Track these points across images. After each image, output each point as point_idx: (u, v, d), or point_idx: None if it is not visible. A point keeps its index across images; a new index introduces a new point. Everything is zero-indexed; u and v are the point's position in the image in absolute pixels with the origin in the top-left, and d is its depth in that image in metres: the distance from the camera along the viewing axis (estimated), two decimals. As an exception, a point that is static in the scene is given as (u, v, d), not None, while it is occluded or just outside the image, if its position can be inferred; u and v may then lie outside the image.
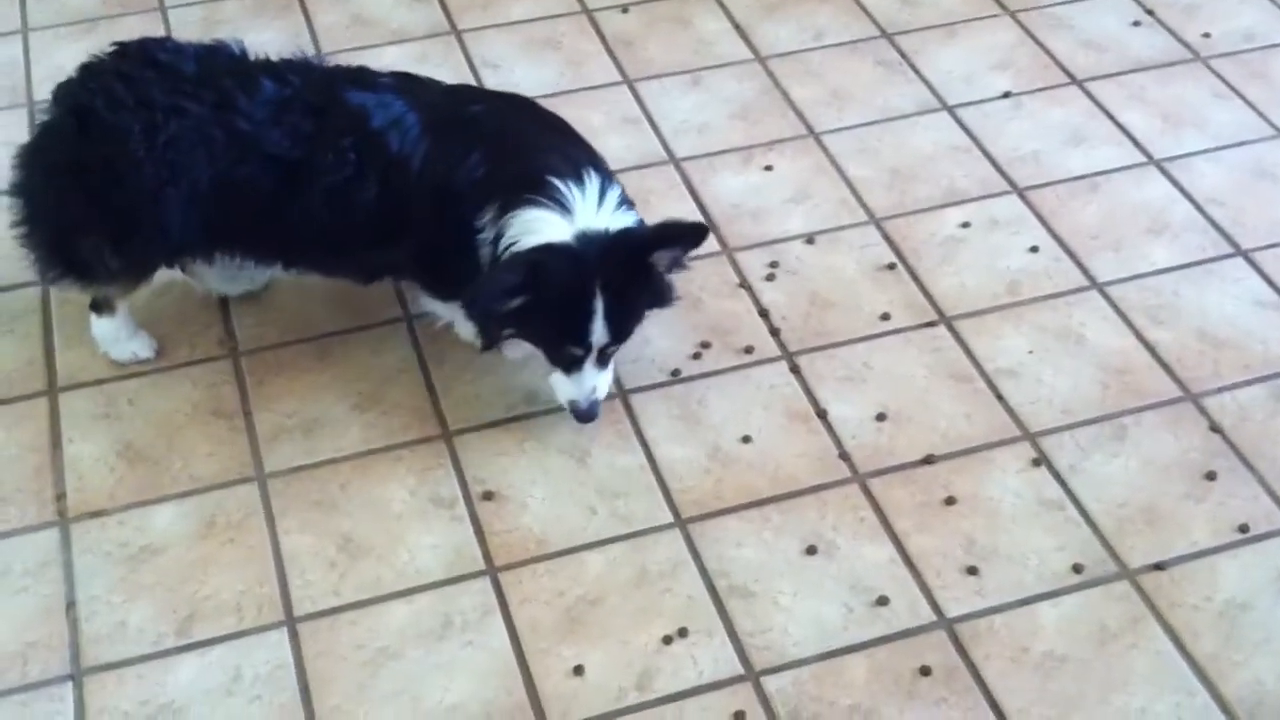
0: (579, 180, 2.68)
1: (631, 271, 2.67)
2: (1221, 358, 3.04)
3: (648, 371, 3.01)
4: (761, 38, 3.89)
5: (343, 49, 3.80)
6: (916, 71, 3.78)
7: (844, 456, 2.85)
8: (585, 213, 2.66)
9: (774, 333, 3.09)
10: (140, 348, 3.03)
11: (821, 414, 2.93)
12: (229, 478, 2.81)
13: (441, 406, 2.94)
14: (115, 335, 3.00)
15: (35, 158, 2.82)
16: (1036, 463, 2.84)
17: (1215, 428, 2.90)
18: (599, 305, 2.64)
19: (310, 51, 3.44)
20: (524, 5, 3.99)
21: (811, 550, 2.68)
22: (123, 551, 2.67)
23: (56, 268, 2.87)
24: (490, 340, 2.79)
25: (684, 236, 2.68)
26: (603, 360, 2.76)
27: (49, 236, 2.85)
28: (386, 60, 3.71)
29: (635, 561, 2.66)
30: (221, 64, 2.80)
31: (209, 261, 2.95)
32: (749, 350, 3.04)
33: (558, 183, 2.67)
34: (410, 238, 2.79)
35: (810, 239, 3.29)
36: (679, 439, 2.89)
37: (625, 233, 2.67)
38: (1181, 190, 3.44)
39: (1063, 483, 2.80)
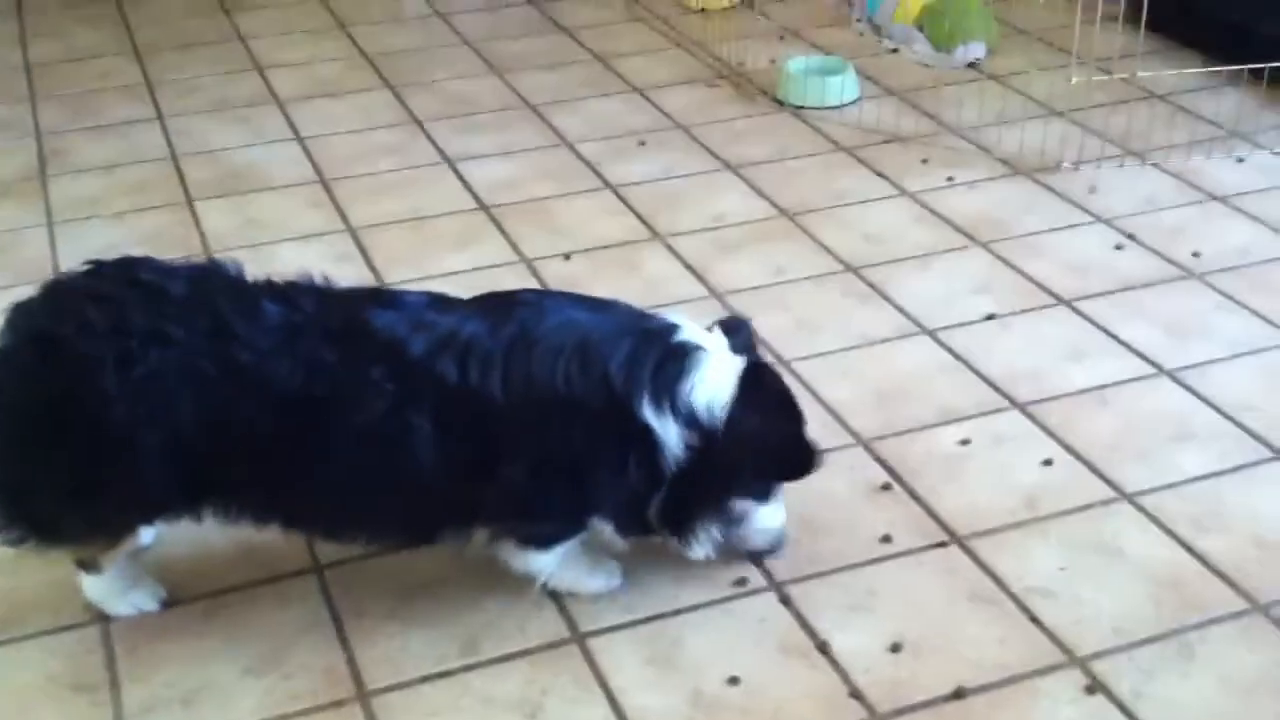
0: (671, 324, 2.40)
1: None
2: (1288, 564, 2.57)
3: (609, 612, 2.49)
4: (718, 277, 3.56)
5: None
6: (889, 300, 3.44)
7: (856, 695, 2.32)
8: (709, 340, 2.40)
9: (757, 561, 2.59)
10: (143, 599, 2.52)
11: (823, 647, 2.41)
12: (85, 762, 2.23)
13: (358, 665, 2.39)
14: (108, 592, 2.50)
15: None
16: (1091, 690, 2.31)
17: (1296, 640, 2.40)
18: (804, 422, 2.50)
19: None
20: (460, 257, 3.66)
21: (828, 808, 2.11)
22: None
23: (14, 529, 2.36)
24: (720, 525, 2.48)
25: (749, 330, 2.57)
26: None
27: (2, 492, 2.35)
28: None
29: (605, 835, 2.08)
30: (217, 285, 2.34)
31: (195, 518, 2.43)
32: (731, 583, 2.55)
33: (680, 339, 2.37)
34: (504, 477, 2.30)
35: (790, 464, 2.84)
36: (651, 686, 2.34)
37: (739, 337, 2.48)
38: (1200, 398, 3.04)
39: (1128, 712, 2.27)
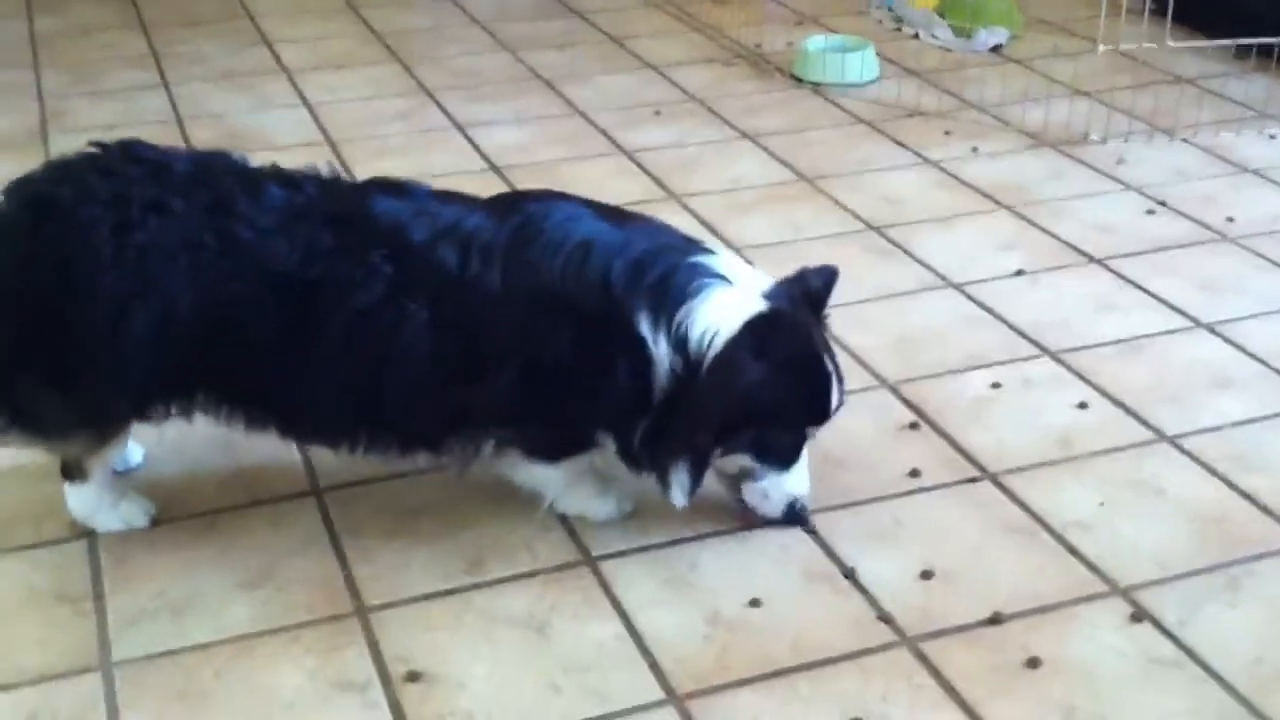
0: (703, 248, 2.26)
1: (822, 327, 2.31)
2: (1338, 503, 2.44)
3: (621, 536, 2.36)
4: (734, 233, 3.44)
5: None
6: (911, 255, 3.32)
7: (885, 618, 2.18)
8: (744, 276, 2.23)
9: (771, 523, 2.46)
10: (132, 513, 2.37)
11: (849, 573, 2.28)
12: (63, 668, 2.09)
13: (356, 580, 2.26)
14: (96, 504, 2.35)
15: None
16: (1136, 618, 2.18)
17: (1352, 574, 2.27)
18: (830, 365, 2.23)
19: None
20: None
21: (857, 724, 1.97)
22: (-94, 758, 1.92)
23: None
24: (701, 473, 2.21)
25: (833, 281, 2.32)
26: None
27: None
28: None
29: (617, 746, 1.94)
30: (221, 166, 2.26)
31: (186, 416, 2.30)
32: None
33: (700, 259, 2.22)
34: (500, 381, 2.17)
35: (812, 403, 2.72)
36: (667, 605, 2.21)
37: (805, 287, 2.28)
38: (1239, 348, 2.92)
39: (1175, 639, 2.13)
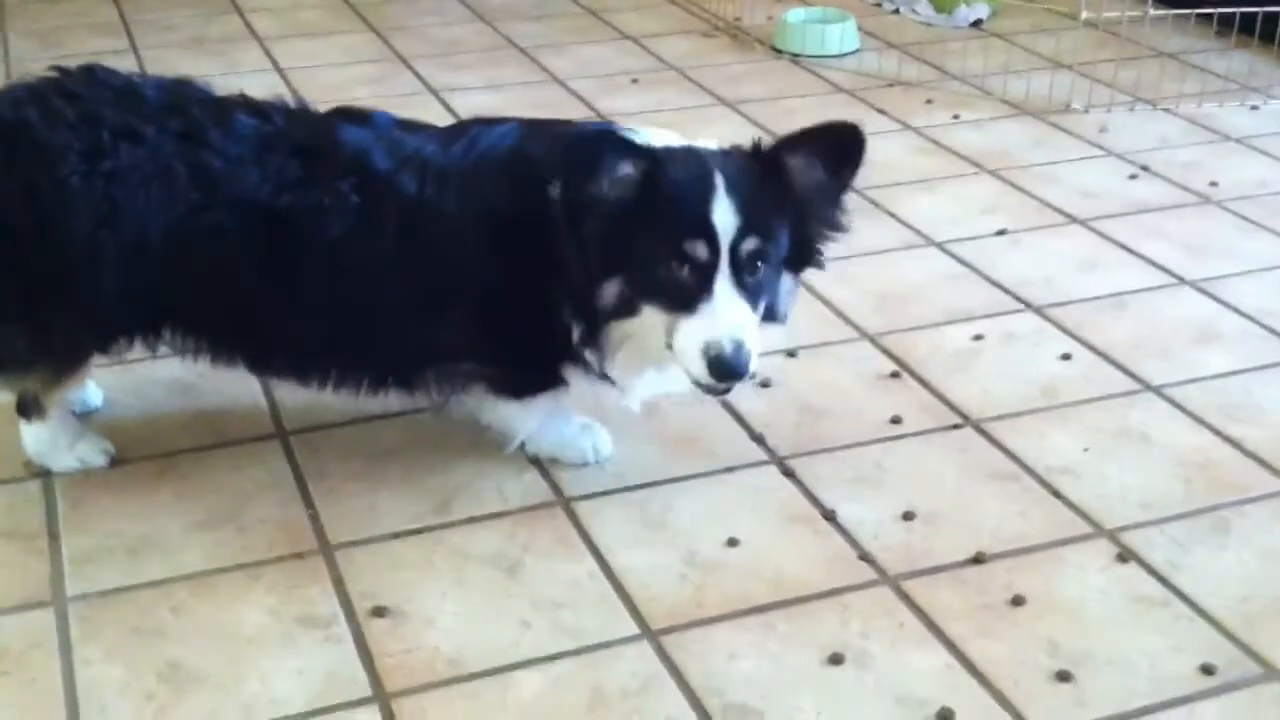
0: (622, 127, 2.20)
1: (760, 170, 2.04)
2: (1327, 450, 2.39)
3: (596, 478, 2.30)
4: (713, 193, 3.38)
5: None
6: (895, 216, 3.27)
7: (866, 558, 2.12)
8: (663, 136, 2.14)
9: (757, 439, 2.41)
10: (89, 453, 2.29)
11: (829, 515, 2.22)
12: (14, 604, 2.01)
13: (322, 521, 2.19)
14: (53, 443, 2.27)
15: None
16: (1122, 558, 2.12)
17: (1342, 518, 2.22)
18: (719, 186, 1.97)
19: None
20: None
21: (836, 659, 1.91)
22: None
23: None
24: (592, 314, 2.04)
25: (823, 137, 2.06)
26: (743, 286, 1.97)
27: None
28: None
29: (589, 680, 1.87)
30: (190, 94, 2.19)
31: (151, 349, 2.24)
32: (727, 457, 2.35)
33: (611, 126, 2.22)
34: (462, 307, 2.12)
35: (792, 353, 2.67)
36: (641, 545, 2.14)
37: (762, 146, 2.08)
38: (1225, 304, 2.87)
39: (1162, 579, 2.08)
